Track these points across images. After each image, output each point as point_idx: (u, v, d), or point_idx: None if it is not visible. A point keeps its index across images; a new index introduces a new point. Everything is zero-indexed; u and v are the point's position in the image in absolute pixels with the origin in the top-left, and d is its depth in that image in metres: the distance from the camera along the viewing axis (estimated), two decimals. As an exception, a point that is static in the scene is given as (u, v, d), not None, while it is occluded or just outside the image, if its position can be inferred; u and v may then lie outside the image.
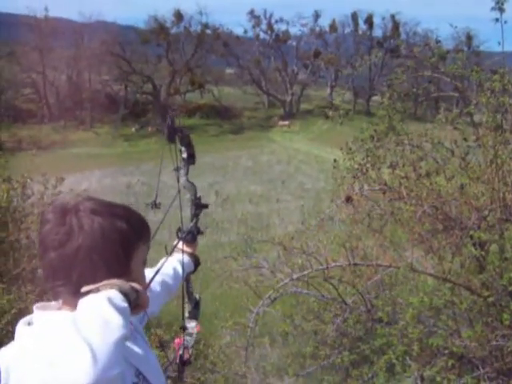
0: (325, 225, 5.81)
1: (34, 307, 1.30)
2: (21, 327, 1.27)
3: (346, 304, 5.33)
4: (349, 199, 5.08)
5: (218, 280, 8.27)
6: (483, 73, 4.66)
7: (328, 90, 53.98)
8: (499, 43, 4.99)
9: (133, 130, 44.44)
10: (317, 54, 52.71)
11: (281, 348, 6.24)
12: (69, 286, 1.28)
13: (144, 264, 1.47)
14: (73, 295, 1.25)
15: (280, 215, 16.14)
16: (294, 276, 5.03)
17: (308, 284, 5.31)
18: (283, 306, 5.93)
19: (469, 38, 50.50)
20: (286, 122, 45.95)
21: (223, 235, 14.44)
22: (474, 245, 4.50)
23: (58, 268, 1.28)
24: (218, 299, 8.28)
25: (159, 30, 47.64)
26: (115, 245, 1.32)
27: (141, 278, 1.43)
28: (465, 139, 4.85)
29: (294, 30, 57.12)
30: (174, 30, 49.47)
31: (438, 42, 5.75)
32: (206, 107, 49.90)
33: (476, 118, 4.94)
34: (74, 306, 1.20)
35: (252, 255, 5.95)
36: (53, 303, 1.33)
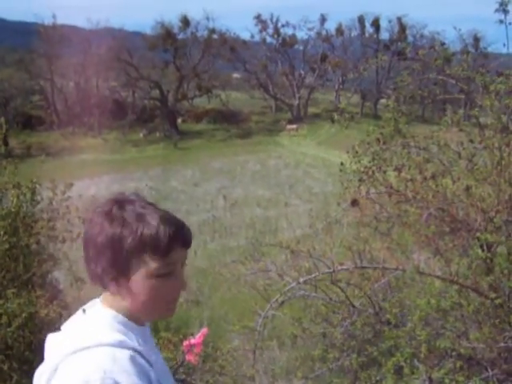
0: (332, 228, 5.83)
1: (99, 298, 1.44)
2: (78, 312, 1.44)
3: (353, 307, 5.34)
4: (354, 203, 5.09)
5: (226, 284, 8.30)
6: (488, 75, 4.67)
7: (335, 94, 53.97)
8: (504, 45, 5.00)
9: (141, 135, 44.61)
10: (324, 58, 52.68)
11: (289, 351, 6.25)
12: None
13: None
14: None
15: (288, 219, 16.14)
16: (302, 279, 5.04)
17: (316, 287, 5.33)
18: (291, 310, 5.94)
19: (476, 39, 50.37)
20: (294, 126, 45.89)
21: (232, 239, 14.45)
22: (481, 247, 4.49)
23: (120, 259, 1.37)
24: (226, 303, 8.31)
25: (166, 35, 47.78)
26: (166, 237, 1.39)
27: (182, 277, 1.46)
28: (471, 141, 4.86)
29: (300, 34, 57.18)
30: (180, 36, 49.64)
31: (443, 44, 5.76)
32: (213, 112, 50.02)
33: (483, 119, 4.95)
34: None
35: (260, 259, 5.97)
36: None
